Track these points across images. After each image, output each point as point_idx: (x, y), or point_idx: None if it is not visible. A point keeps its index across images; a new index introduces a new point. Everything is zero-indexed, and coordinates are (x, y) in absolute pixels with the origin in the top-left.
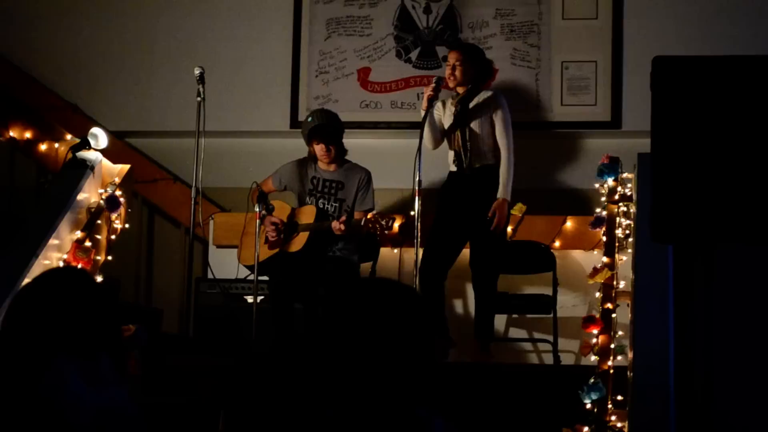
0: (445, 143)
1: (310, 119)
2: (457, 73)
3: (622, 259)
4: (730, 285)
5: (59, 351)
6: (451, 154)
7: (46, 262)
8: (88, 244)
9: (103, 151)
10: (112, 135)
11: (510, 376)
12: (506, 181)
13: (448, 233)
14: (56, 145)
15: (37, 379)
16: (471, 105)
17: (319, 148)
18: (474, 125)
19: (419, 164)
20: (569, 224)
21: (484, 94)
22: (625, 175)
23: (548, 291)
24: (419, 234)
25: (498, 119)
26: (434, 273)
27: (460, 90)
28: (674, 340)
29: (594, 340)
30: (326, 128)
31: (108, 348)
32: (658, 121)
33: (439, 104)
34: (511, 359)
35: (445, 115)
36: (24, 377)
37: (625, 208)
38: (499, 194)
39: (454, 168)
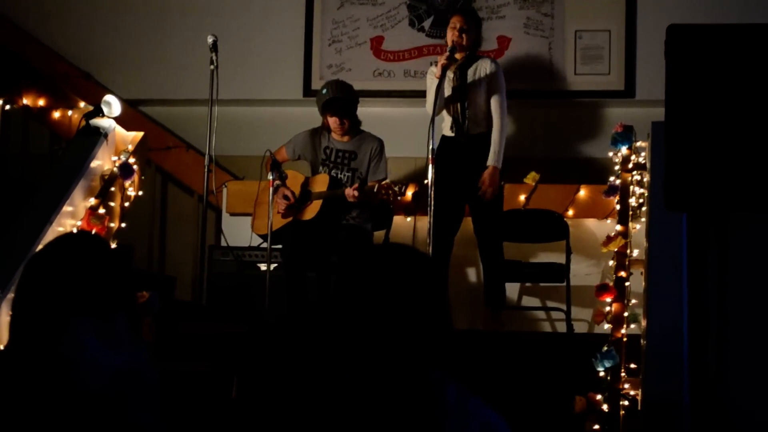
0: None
1: (324, 91)
2: (464, 37)
3: (635, 228)
4: (745, 252)
5: (75, 313)
6: (449, 120)
7: (60, 228)
8: (101, 211)
9: (117, 119)
10: (126, 103)
11: (523, 344)
12: (498, 149)
13: (448, 200)
14: (69, 112)
15: (56, 342)
16: (470, 72)
17: (332, 121)
18: (472, 93)
19: (433, 132)
20: (583, 193)
21: (483, 62)
22: (638, 143)
23: (561, 259)
24: (432, 202)
25: (495, 88)
26: (440, 241)
27: (458, 56)
28: (688, 308)
29: (607, 309)
30: (340, 101)
31: (123, 309)
32: (672, 90)
33: (432, 68)
34: (524, 327)
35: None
36: (42, 340)
37: (638, 177)
38: (490, 161)
39: (451, 134)
